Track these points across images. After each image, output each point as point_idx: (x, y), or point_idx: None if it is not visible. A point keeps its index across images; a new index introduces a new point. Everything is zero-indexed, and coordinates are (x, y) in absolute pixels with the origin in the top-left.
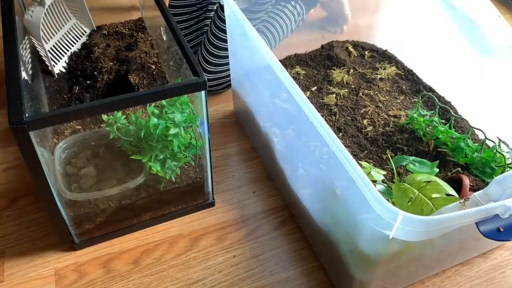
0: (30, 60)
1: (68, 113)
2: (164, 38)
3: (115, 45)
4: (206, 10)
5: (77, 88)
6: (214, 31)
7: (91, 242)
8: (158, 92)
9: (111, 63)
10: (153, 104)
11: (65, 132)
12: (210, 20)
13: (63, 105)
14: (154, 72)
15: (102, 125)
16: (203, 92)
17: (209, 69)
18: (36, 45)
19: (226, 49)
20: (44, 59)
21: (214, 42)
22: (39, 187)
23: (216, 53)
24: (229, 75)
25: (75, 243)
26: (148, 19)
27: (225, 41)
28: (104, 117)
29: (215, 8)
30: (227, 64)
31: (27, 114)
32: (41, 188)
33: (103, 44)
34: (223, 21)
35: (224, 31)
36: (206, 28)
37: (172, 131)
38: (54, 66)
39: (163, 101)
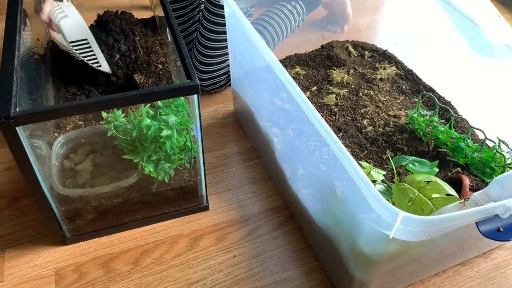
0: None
1: (55, 110)
2: (169, 38)
3: (125, 43)
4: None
5: (84, 83)
6: (204, 24)
7: (83, 238)
8: (147, 93)
9: (119, 61)
10: (148, 105)
11: (67, 127)
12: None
13: (68, 101)
14: (161, 72)
15: (101, 122)
16: (195, 96)
17: (202, 68)
18: (72, 48)
19: (218, 48)
20: (92, 60)
21: (206, 36)
22: (27, 181)
23: (208, 53)
24: (224, 73)
25: (66, 238)
26: (159, 18)
27: (217, 32)
28: (104, 114)
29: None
30: (221, 62)
31: (17, 109)
32: (29, 182)
33: (112, 42)
34: (213, 13)
35: (215, 23)
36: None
37: (165, 132)
38: (100, 64)
39: (159, 102)
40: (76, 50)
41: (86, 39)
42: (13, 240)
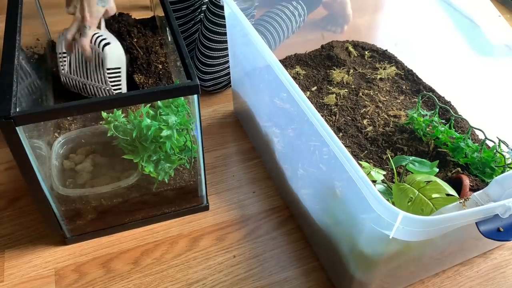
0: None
1: (56, 110)
2: (169, 38)
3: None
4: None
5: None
6: (207, 25)
7: (83, 238)
8: (147, 93)
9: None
10: (148, 105)
11: (67, 127)
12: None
13: (69, 100)
14: (161, 72)
15: (100, 122)
16: (195, 96)
17: (204, 69)
18: (106, 75)
19: (220, 49)
20: (116, 87)
21: (208, 36)
22: (27, 181)
23: (209, 54)
24: (226, 74)
25: (66, 238)
26: (159, 18)
27: (218, 34)
28: (104, 114)
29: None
30: (224, 63)
31: (18, 109)
32: (29, 182)
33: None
34: (215, 14)
35: (217, 24)
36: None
37: (165, 133)
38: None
39: (159, 102)
40: (109, 77)
41: (119, 68)
42: (13, 240)
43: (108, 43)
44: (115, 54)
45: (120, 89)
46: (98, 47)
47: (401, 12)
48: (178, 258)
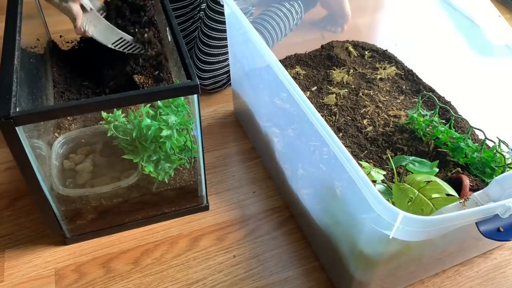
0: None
1: (56, 110)
2: (169, 39)
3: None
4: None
5: (86, 83)
6: (206, 22)
7: (83, 238)
8: (147, 93)
9: (119, 62)
10: (148, 105)
11: (67, 127)
12: (200, 17)
13: (70, 100)
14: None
15: (100, 122)
16: (195, 96)
17: (203, 67)
18: (116, 46)
19: (219, 46)
20: (135, 50)
21: (208, 34)
22: (27, 181)
23: (209, 51)
24: (225, 73)
25: (66, 238)
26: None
27: (218, 31)
28: (104, 114)
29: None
30: (222, 61)
31: (17, 109)
32: (29, 182)
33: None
34: (215, 11)
35: (216, 21)
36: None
37: (165, 132)
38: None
39: (159, 102)
40: (119, 48)
41: (121, 38)
42: (13, 240)
43: (93, 26)
44: (104, 33)
45: (135, 47)
46: (90, 34)
47: (401, 12)
48: (178, 258)
